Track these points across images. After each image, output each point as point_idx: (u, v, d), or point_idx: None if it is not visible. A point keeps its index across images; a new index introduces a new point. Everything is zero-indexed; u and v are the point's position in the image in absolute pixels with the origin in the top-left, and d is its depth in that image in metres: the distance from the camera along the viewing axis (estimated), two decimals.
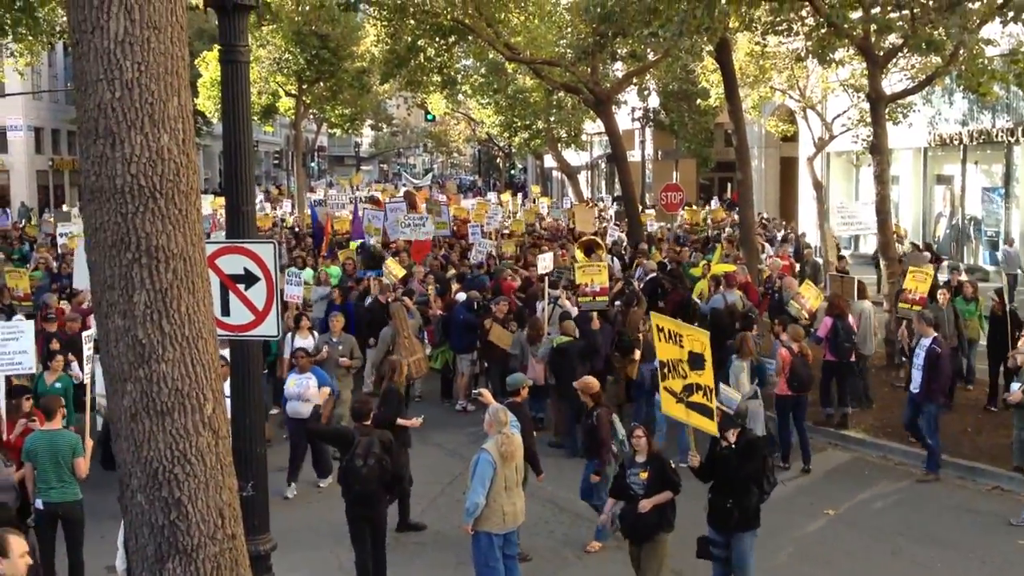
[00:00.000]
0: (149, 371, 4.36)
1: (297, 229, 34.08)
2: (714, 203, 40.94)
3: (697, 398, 8.64)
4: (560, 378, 14.34)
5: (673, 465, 9.40)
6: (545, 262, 17.64)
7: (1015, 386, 12.52)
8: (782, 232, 32.32)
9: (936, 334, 13.16)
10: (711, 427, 8.69)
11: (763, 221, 34.57)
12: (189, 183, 4.39)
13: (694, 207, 37.82)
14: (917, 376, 12.93)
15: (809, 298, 16.53)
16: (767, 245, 26.01)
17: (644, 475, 9.08)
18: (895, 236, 23.28)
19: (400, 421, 11.03)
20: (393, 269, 19.43)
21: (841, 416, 14.99)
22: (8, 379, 11.03)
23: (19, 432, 10.00)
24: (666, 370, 8.98)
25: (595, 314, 15.50)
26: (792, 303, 16.49)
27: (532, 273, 19.49)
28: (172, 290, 4.35)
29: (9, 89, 45.57)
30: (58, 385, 12.50)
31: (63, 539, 9.67)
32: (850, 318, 15.24)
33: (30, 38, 30.56)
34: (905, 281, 16.17)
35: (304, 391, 12.64)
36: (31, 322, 12.21)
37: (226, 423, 4.72)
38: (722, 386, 9.57)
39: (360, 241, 25.35)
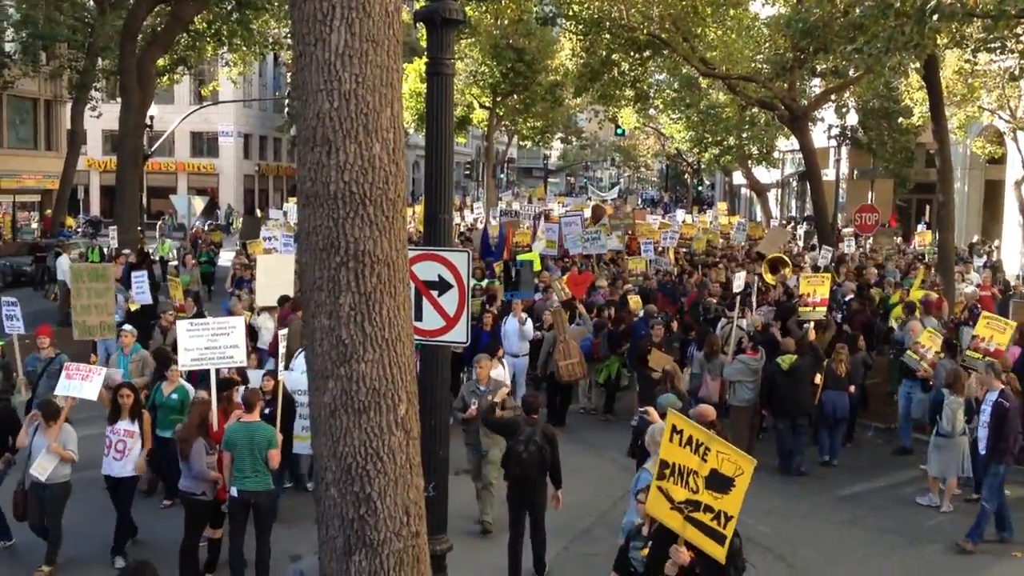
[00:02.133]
0: (350, 370, 4.54)
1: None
2: (920, 227, 39.20)
3: (705, 518, 6.48)
4: (786, 398, 14.17)
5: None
6: (739, 281, 17.40)
7: None
8: (983, 257, 30.61)
9: (1004, 387, 11.71)
10: (718, 552, 6.42)
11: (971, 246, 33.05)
12: (397, 191, 4.55)
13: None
14: (983, 434, 11.66)
15: (931, 347, 14.63)
16: (974, 273, 24.60)
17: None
18: None
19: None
20: (560, 289, 19.41)
21: None
22: (218, 371, 11.65)
23: (229, 422, 10.55)
24: (667, 471, 6.71)
25: (812, 325, 15.80)
26: (909, 352, 14.92)
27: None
28: (376, 294, 4.52)
29: (222, 97, 48.47)
30: (175, 396, 12.04)
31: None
32: None
33: (244, 49, 32.42)
34: (977, 327, 14.50)
35: None
36: (241, 318, 12.87)
37: (417, 424, 4.85)
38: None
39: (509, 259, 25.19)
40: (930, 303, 17.04)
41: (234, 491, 10.01)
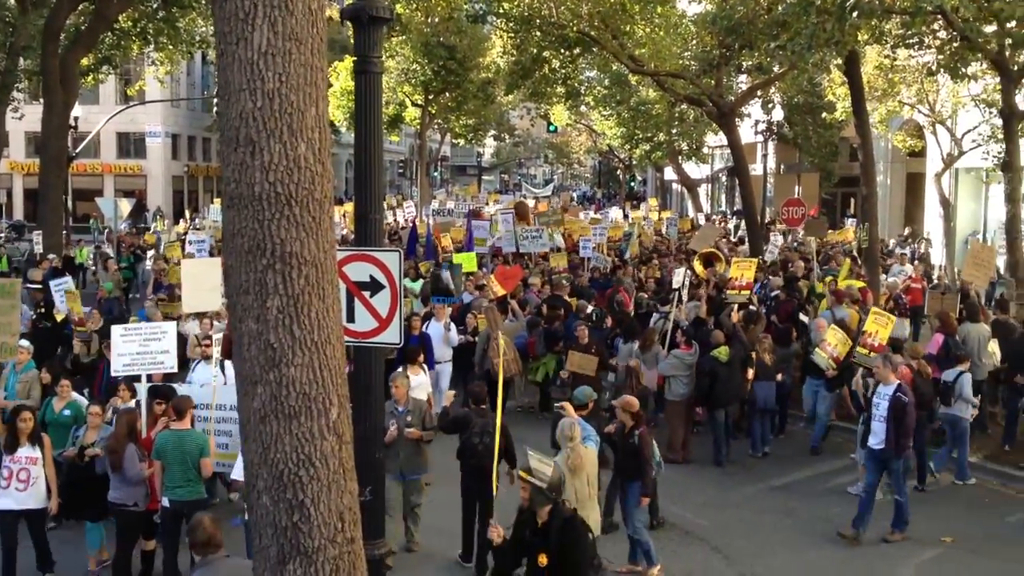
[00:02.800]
0: (279, 375, 4.46)
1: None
2: (848, 223, 39.91)
3: None
4: (726, 389, 14.40)
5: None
6: (678, 276, 17.60)
7: None
8: (905, 250, 31.27)
9: (899, 382, 11.69)
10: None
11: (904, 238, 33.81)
12: (323, 191, 4.48)
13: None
14: (879, 428, 11.49)
15: (836, 344, 14.69)
16: (908, 265, 25.04)
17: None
18: None
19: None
20: (492, 287, 19.25)
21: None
22: (149, 377, 11.45)
23: (159, 430, 10.34)
24: None
25: (736, 307, 16.22)
26: (818, 351, 14.87)
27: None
28: (304, 296, 4.45)
29: (149, 97, 47.53)
30: (67, 413, 11.44)
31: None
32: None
33: (171, 48, 31.80)
34: (867, 323, 14.57)
35: None
36: (174, 323, 12.63)
37: (350, 428, 4.79)
38: (531, 454, 7.64)
39: (434, 264, 24.17)
40: (839, 293, 17.34)
41: (166, 501, 9.83)
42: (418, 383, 12.90)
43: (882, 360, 12.08)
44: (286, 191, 4.36)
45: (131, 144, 57.86)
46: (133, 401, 11.11)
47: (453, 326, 16.57)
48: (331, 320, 4.60)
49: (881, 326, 14.19)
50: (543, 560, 6.96)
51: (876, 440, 11.49)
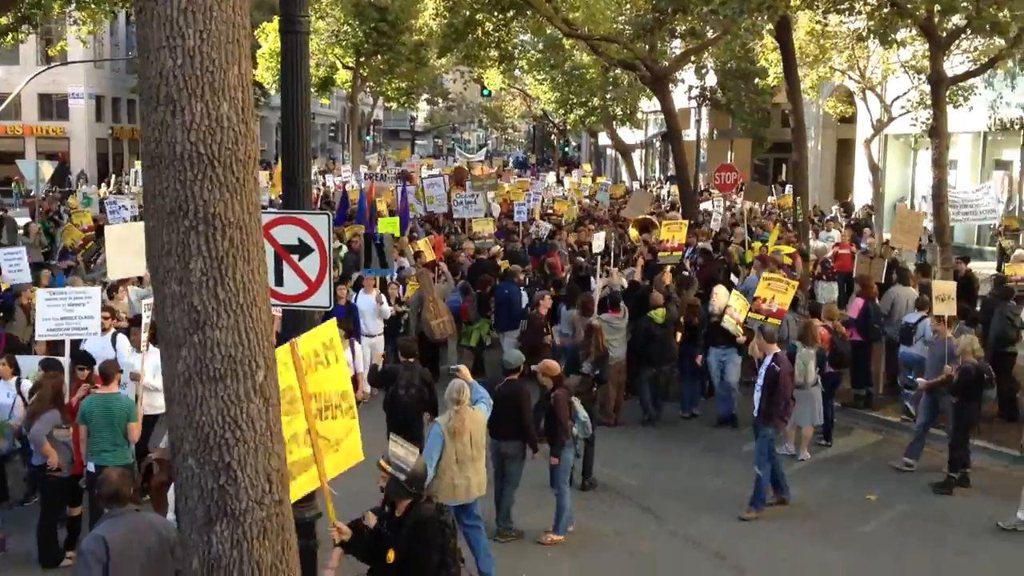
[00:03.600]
0: (203, 337, 4.40)
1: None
2: (788, 189, 40.47)
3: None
4: (661, 350, 14.72)
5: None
6: (599, 241, 17.61)
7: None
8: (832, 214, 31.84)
9: (778, 350, 11.65)
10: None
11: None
12: (247, 152, 4.41)
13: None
14: (756, 399, 11.54)
15: (739, 309, 14.43)
16: (835, 231, 25.41)
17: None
18: (1007, 230, 22.38)
19: None
20: (424, 251, 19.20)
21: (866, 396, 15.29)
22: (74, 343, 11.25)
23: (81, 395, 10.18)
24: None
25: (668, 269, 16.50)
26: (727, 317, 14.51)
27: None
28: (228, 258, 4.39)
29: (71, 57, 46.25)
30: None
31: None
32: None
33: (93, 6, 30.91)
34: (759, 288, 14.46)
35: None
36: (98, 288, 12.38)
37: (276, 390, 4.76)
38: (392, 443, 7.05)
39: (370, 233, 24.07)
40: (765, 258, 17.61)
41: (91, 466, 9.69)
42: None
43: (757, 330, 12.11)
44: (208, 151, 4.28)
45: (53, 106, 56.39)
46: (13, 379, 10.87)
47: (384, 298, 16.31)
48: (257, 282, 4.55)
49: (779, 291, 14.06)
50: (391, 557, 6.65)
51: (756, 408, 11.55)
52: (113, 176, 47.79)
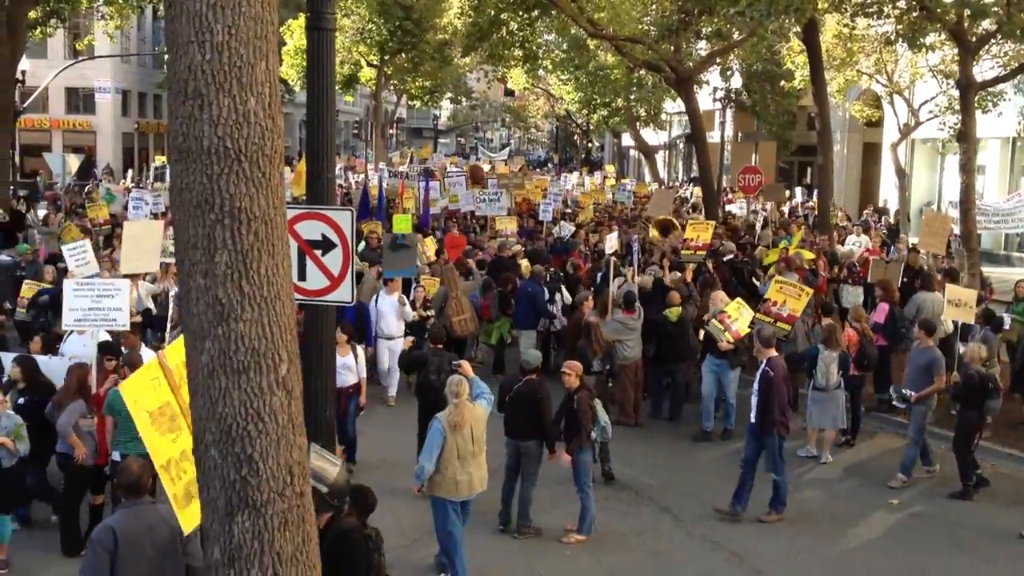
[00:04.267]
0: (228, 329, 4.44)
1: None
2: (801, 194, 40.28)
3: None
4: (663, 350, 14.79)
5: None
6: (612, 242, 17.58)
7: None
8: (862, 218, 31.63)
9: (774, 354, 11.39)
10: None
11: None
12: (274, 147, 4.45)
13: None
14: (755, 404, 11.27)
15: (738, 320, 13.88)
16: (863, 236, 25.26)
17: None
18: None
19: None
20: (427, 249, 19.11)
21: (889, 400, 14.72)
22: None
23: (108, 387, 10.28)
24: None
25: (690, 268, 16.71)
26: (714, 322, 13.96)
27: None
28: (253, 252, 4.42)
29: (98, 52, 46.60)
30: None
31: None
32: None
33: (120, 2, 31.15)
34: (769, 291, 14.36)
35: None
36: (127, 280, 12.45)
37: (299, 384, 4.79)
38: (313, 454, 6.27)
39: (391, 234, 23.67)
40: (788, 260, 17.60)
41: (117, 455, 9.78)
42: (343, 365, 11.95)
43: (755, 333, 11.81)
44: (235, 146, 4.32)
45: (80, 100, 56.75)
46: None
47: (406, 299, 15.96)
48: (281, 276, 4.59)
49: (790, 296, 13.77)
50: None
51: (754, 415, 11.29)
52: (130, 171, 47.99)
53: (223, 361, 4.48)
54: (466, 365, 10.26)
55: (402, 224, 19.85)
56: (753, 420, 11.27)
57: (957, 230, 20.37)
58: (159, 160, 40.63)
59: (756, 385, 11.27)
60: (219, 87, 4.27)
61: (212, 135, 4.29)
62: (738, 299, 14.72)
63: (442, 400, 9.90)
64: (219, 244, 4.38)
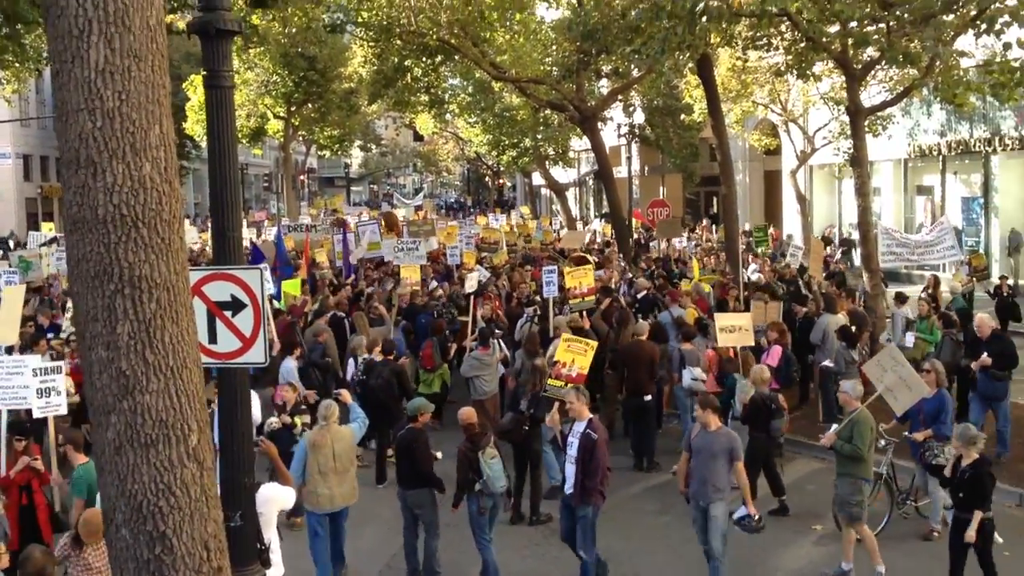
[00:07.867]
0: (133, 403, 4.30)
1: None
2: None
3: None
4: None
5: None
6: (471, 281, 17.85)
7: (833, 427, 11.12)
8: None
9: (592, 416, 10.16)
10: None
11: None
12: (172, 212, 4.34)
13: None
14: (570, 472, 10.07)
15: (574, 358, 12.51)
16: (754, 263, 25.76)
17: None
18: (968, 265, 21.10)
19: None
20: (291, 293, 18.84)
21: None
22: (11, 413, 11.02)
23: (18, 469, 9.95)
24: None
25: (584, 314, 16.47)
26: (550, 382, 12.51)
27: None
28: (156, 320, 4.30)
29: None
30: None
31: None
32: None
33: (17, 65, 30.46)
34: (558, 352, 12.84)
35: None
36: (36, 357, 12.07)
37: (211, 453, 4.65)
38: None
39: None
40: (673, 294, 18.11)
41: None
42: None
43: (575, 393, 10.40)
44: (132, 212, 4.21)
45: None
46: None
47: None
48: (187, 344, 4.46)
49: (578, 353, 12.46)
50: None
51: (568, 485, 10.18)
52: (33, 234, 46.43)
53: (130, 435, 4.32)
54: (345, 393, 11.81)
55: (291, 288, 19.32)
56: (569, 490, 10.13)
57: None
58: (47, 228, 39.17)
59: (573, 450, 10.01)
60: (112, 154, 4.16)
61: (107, 203, 4.17)
62: (563, 335, 13.68)
63: (380, 403, 12.93)
64: (120, 315, 4.24)
